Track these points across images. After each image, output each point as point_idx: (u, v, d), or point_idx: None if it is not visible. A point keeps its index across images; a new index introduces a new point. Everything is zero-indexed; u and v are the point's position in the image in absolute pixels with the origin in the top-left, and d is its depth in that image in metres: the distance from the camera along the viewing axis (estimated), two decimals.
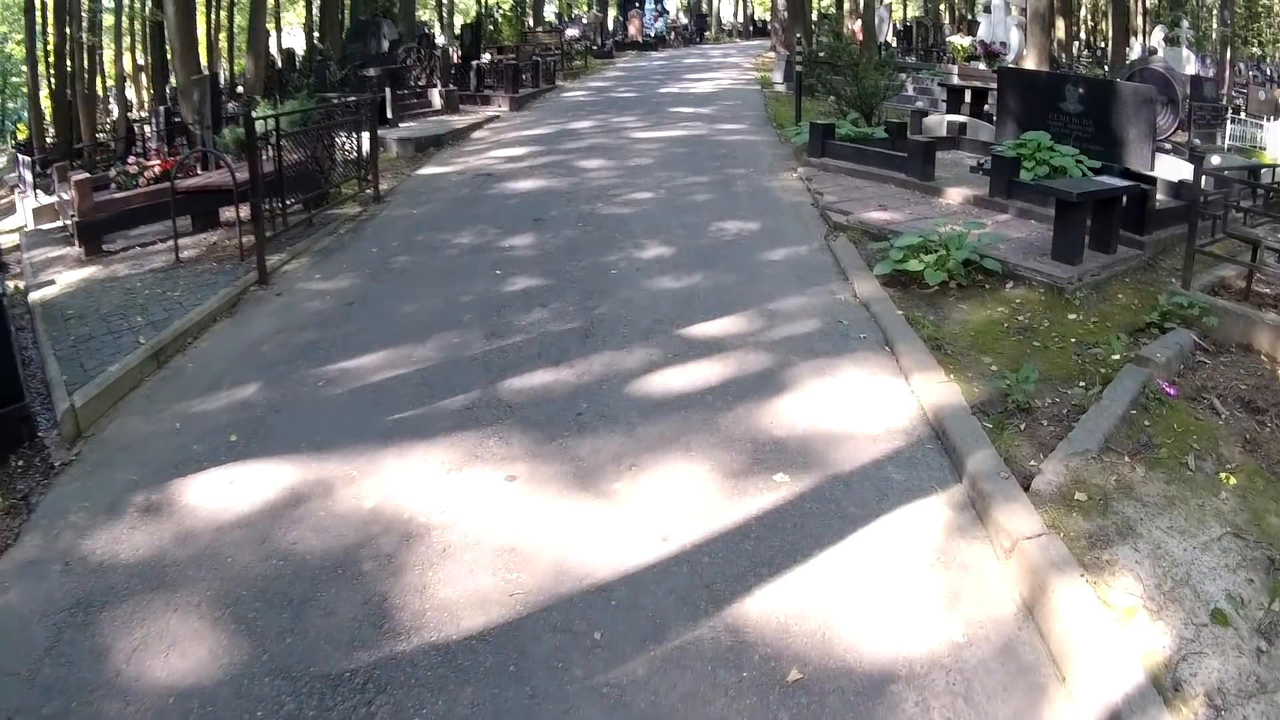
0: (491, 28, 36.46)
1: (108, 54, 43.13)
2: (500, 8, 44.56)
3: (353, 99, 12.33)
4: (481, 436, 5.57)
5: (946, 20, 47.98)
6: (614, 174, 12.64)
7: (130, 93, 37.23)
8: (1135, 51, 27.71)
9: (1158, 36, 28.92)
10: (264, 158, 9.54)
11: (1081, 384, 6.03)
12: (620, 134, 16.28)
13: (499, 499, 4.93)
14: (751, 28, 56.68)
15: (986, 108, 18.00)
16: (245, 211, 9.11)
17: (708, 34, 50.90)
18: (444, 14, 51.86)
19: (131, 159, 12.97)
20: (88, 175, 11.89)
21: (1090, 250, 8.41)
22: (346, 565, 4.45)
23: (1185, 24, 34.68)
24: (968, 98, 17.54)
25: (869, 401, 5.92)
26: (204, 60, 38.93)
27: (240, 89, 22.23)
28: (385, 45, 22.30)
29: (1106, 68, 31.29)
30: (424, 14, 57.20)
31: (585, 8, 53.22)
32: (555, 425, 5.66)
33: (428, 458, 5.36)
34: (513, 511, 4.81)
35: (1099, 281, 8.04)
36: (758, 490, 4.94)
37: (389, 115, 17.79)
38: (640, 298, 7.74)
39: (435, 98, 20.67)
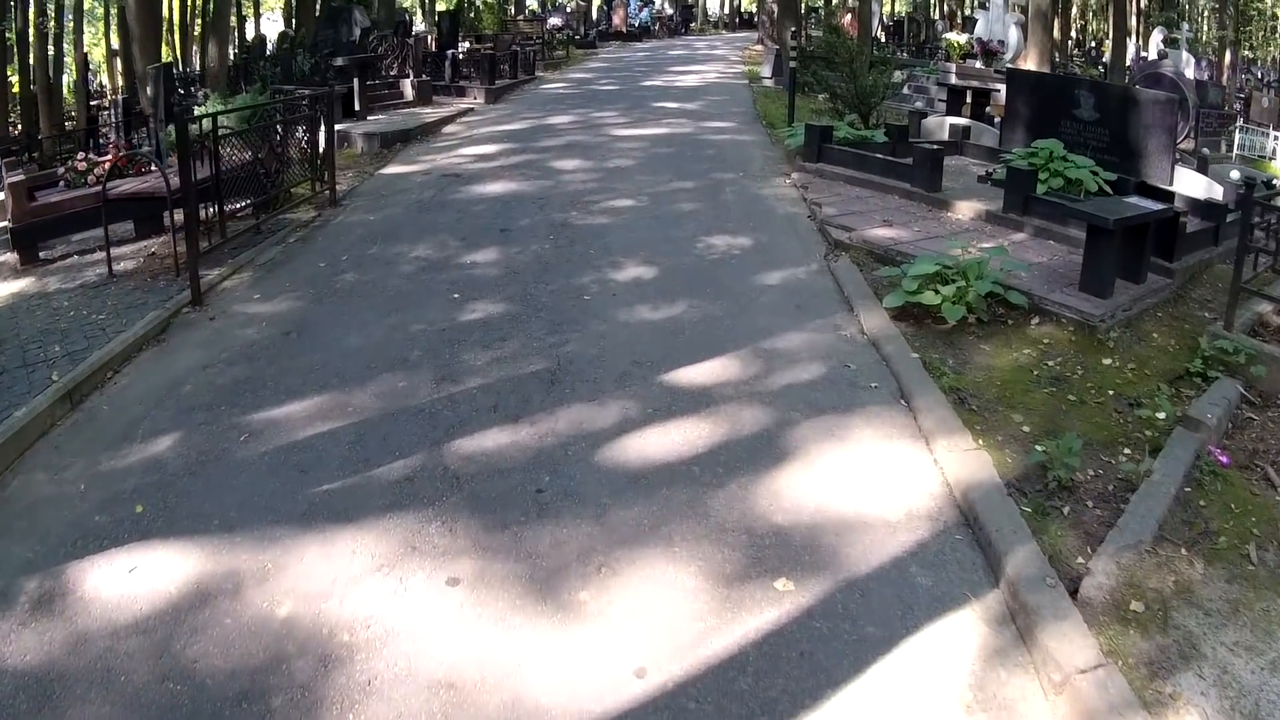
0: (472, 16, 35.35)
1: (89, 39, 41.99)
2: None
3: (306, 93, 11.24)
4: (421, 520, 4.61)
5: (936, 16, 47.11)
6: (592, 177, 11.67)
7: (106, 79, 36.03)
8: (1139, 53, 26.79)
9: (1157, 38, 28.09)
10: (205, 159, 8.53)
11: (1126, 451, 5.19)
12: (600, 131, 15.29)
13: (439, 610, 3.97)
14: (738, 19, 55.69)
15: (988, 110, 17.14)
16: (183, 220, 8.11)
17: (693, 25, 49.89)
18: (425, 1, 50.61)
19: (80, 156, 11.90)
20: (23, 177, 10.90)
21: (1119, 279, 7.50)
22: (253, 697, 3.54)
23: (1185, 26, 33.93)
24: (968, 99, 16.65)
25: (886, 475, 4.98)
26: (177, 47, 37.80)
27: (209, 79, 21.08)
28: (356, 33, 21.17)
29: (1103, 68, 30.49)
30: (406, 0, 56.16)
31: None
32: (510, 506, 4.70)
33: (356, 548, 4.40)
34: (455, 629, 3.86)
35: (1131, 318, 7.16)
36: (756, 603, 4.00)
37: (357, 108, 16.78)
38: (616, 332, 6.78)
39: (407, 89, 19.64)
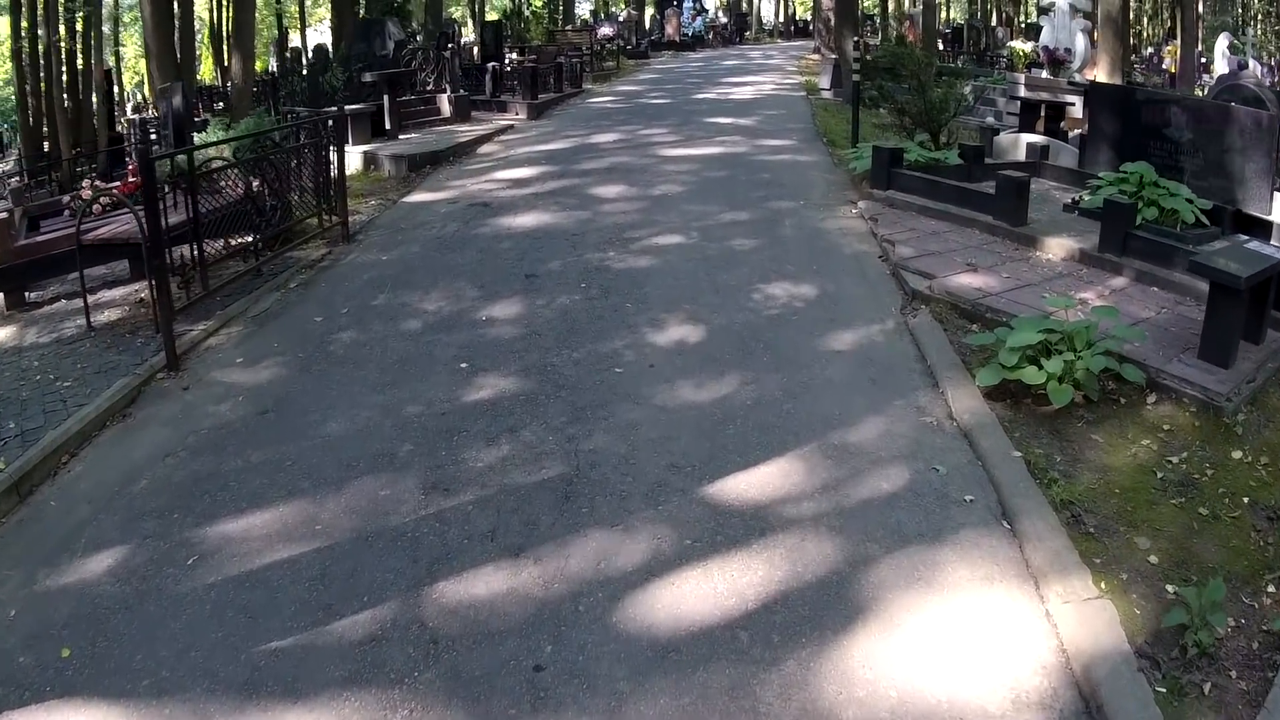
0: (521, 25, 34.40)
1: (133, 51, 41.61)
2: (531, 4, 42.59)
3: (310, 116, 10.23)
4: (384, 708, 3.46)
5: (994, 21, 45.43)
6: (634, 207, 10.53)
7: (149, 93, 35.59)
8: (1220, 64, 25.14)
9: (1222, 44, 26.44)
10: (195, 196, 7.51)
11: (1271, 589, 4.06)
12: (647, 151, 14.13)
13: None
14: (793, 28, 54.35)
15: (1062, 125, 15.77)
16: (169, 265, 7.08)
17: (748, 34, 48.65)
18: (476, 9, 49.83)
19: (86, 183, 10.95)
20: (10, 208, 10.00)
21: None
22: None
23: (1250, 32, 32.18)
24: (1041, 113, 15.28)
25: (986, 639, 3.79)
26: (208, 62, 37.20)
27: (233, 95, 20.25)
28: (390, 46, 20.28)
29: (1168, 77, 28.78)
30: (457, 10, 55.37)
31: (622, 5, 51.00)
32: (498, 691, 3.57)
33: None
34: None
35: (1257, 390, 5.91)
36: None
37: (387, 126, 15.78)
38: (651, 420, 5.60)
39: (444, 105, 18.64)
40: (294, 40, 46.19)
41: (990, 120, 16.56)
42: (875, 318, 7.21)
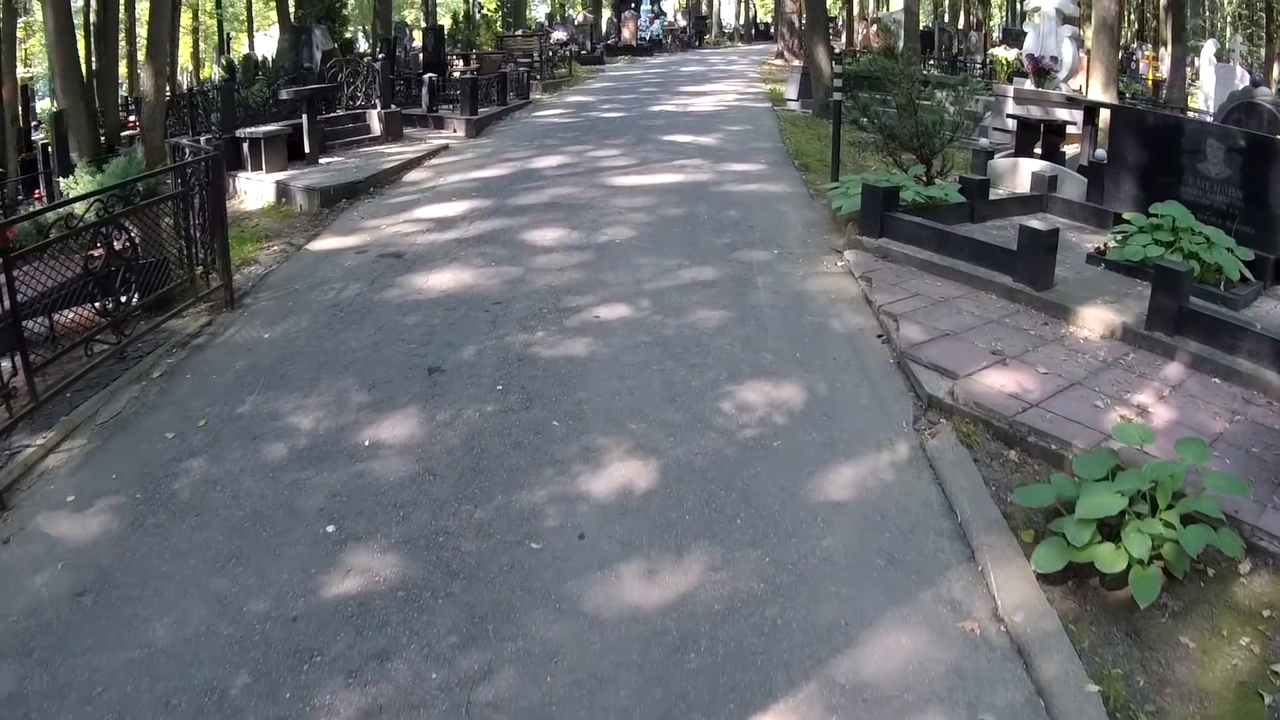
0: (470, 30, 32.45)
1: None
2: (483, 8, 40.60)
3: (197, 156, 8.38)
4: None
5: (960, 25, 44.01)
6: (575, 260, 8.79)
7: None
8: (1206, 72, 23.66)
9: (1209, 52, 25.02)
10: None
11: None
12: (595, 179, 12.34)
13: None
14: (753, 30, 52.80)
15: (1064, 147, 14.13)
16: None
17: (707, 37, 46.98)
18: (428, 11, 47.79)
19: None
20: None
21: None
22: None
23: (1239, 39, 30.86)
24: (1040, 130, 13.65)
25: None
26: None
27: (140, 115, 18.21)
28: (317, 57, 18.36)
29: (1150, 86, 27.30)
30: (410, 13, 53.19)
31: (579, 7, 49.11)
32: None
33: None
34: None
35: None
36: None
37: (306, 150, 13.86)
38: (575, 647, 3.83)
39: (374, 122, 16.70)
40: (248, 47, 44.06)
41: (984, 141, 14.88)
42: (883, 438, 5.46)
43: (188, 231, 7.76)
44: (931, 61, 30.90)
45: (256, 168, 13.12)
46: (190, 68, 43.50)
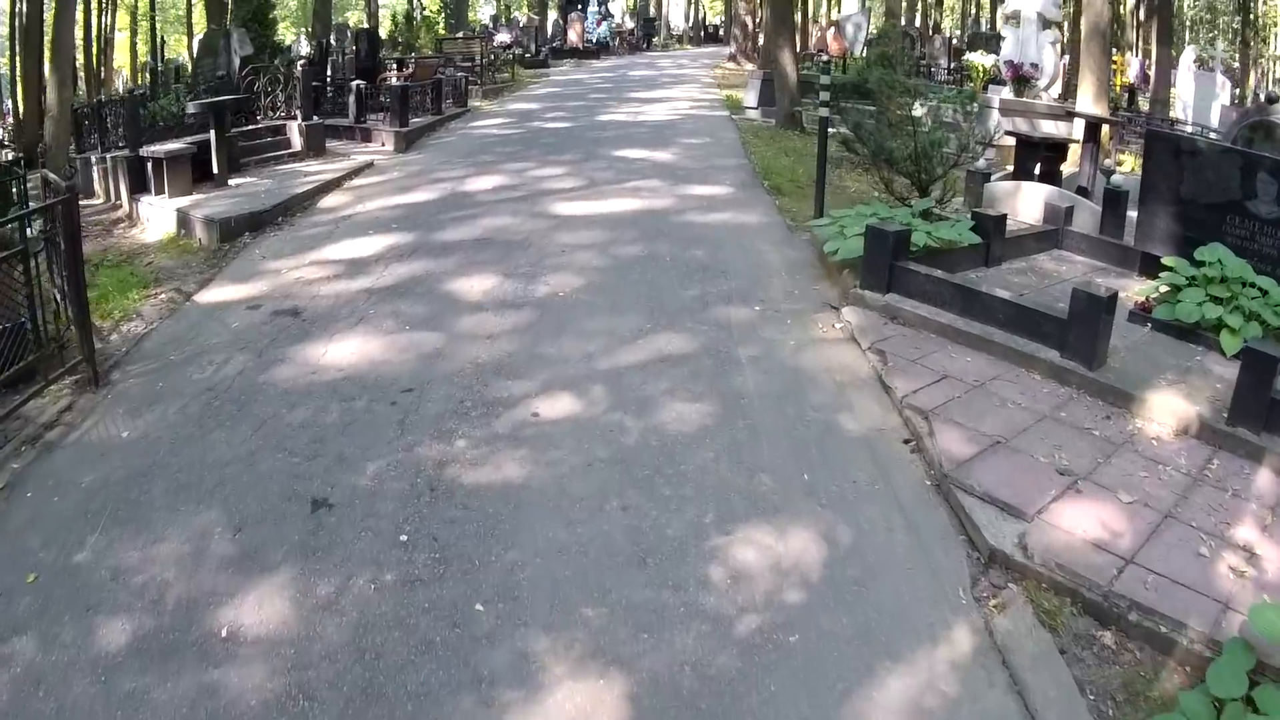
0: (411, 33, 30.47)
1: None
2: (424, 8, 38.57)
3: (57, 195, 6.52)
4: None
5: (920, 28, 42.68)
6: (509, 322, 7.07)
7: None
8: (1185, 78, 22.30)
9: (1188, 58, 23.76)
10: None
11: None
12: (537, 206, 10.57)
13: None
14: (703, 33, 51.13)
15: (1063, 167, 12.58)
16: None
17: (656, 40, 45.23)
18: (371, 12, 45.62)
19: None
20: None
21: None
22: None
23: (1220, 44, 29.71)
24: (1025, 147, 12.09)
25: None
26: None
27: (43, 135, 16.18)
28: (235, 63, 16.38)
29: (1136, 99, 25.95)
30: (353, 15, 50.89)
31: (524, 9, 47.15)
32: None
33: None
34: None
35: None
36: None
37: (215, 170, 11.97)
38: None
39: (295, 135, 14.76)
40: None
41: (980, 162, 13.25)
42: (935, 619, 3.87)
43: (37, 293, 5.92)
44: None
45: (160, 191, 11.26)
46: (128, 73, 40.97)
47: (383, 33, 33.58)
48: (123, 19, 41.01)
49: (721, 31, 51.25)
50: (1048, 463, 5.01)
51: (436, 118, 17.77)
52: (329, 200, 11.50)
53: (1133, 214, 9.55)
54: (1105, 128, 13.11)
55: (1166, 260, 7.62)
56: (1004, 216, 8.67)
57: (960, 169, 9.98)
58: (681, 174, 12.55)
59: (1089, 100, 17.23)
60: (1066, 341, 6.14)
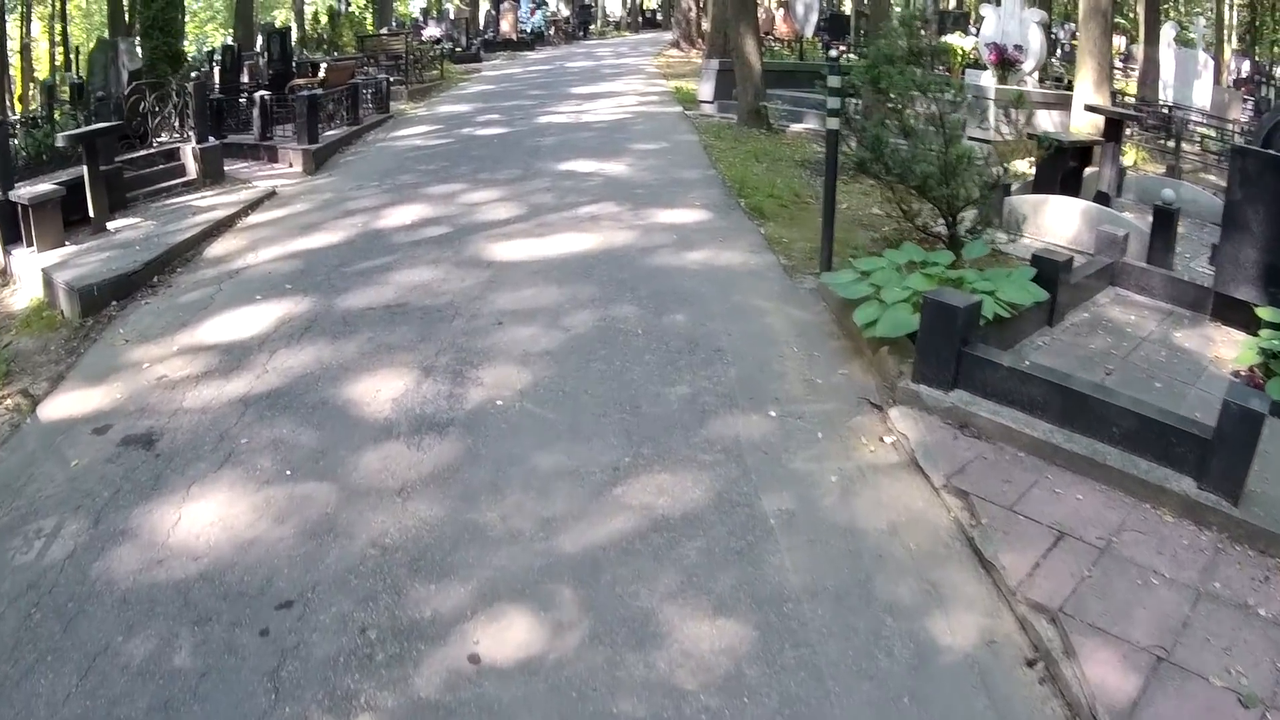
0: (334, 31, 28.01)
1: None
2: (350, 4, 36.10)
3: None
4: None
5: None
6: (428, 464, 5.09)
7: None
8: (1165, 58, 20.58)
9: (1168, 35, 22.12)
10: None
11: None
12: (467, 249, 8.55)
13: None
14: (640, 18, 48.88)
15: (1088, 173, 10.74)
16: None
17: (593, 28, 42.95)
18: (299, 11, 42.83)
19: None
20: None
21: None
22: None
23: (1201, 21, 28.04)
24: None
25: None
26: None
27: None
28: (123, 79, 14.05)
29: (1128, 83, 24.17)
30: (281, 13, 47.92)
31: (455, 1, 44.61)
32: None
33: None
34: None
35: None
36: None
37: (92, 213, 9.84)
38: None
39: (189, 160, 12.48)
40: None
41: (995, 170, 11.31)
42: None
43: None
44: (844, 49, 27.43)
45: (30, 242, 9.15)
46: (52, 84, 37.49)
47: (299, 33, 31.19)
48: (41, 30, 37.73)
49: (660, 17, 49.08)
50: (1224, 688, 3.21)
51: (353, 128, 15.54)
52: (217, 248, 9.32)
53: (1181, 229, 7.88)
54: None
55: (1265, 313, 5.76)
56: (1070, 261, 6.72)
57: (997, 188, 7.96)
58: (641, 193, 10.47)
59: (1089, 87, 15.41)
60: (1206, 467, 4.27)
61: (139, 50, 14.51)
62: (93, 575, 4.23)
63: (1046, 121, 14.94)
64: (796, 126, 15.75)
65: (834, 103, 7.02)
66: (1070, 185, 10.40)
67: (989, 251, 6.98)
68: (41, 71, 34.53)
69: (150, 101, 12.75)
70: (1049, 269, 6.40)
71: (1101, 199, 10.10)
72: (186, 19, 37.96)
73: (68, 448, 5.45)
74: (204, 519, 4.59)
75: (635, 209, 9.77)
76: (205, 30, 47.79)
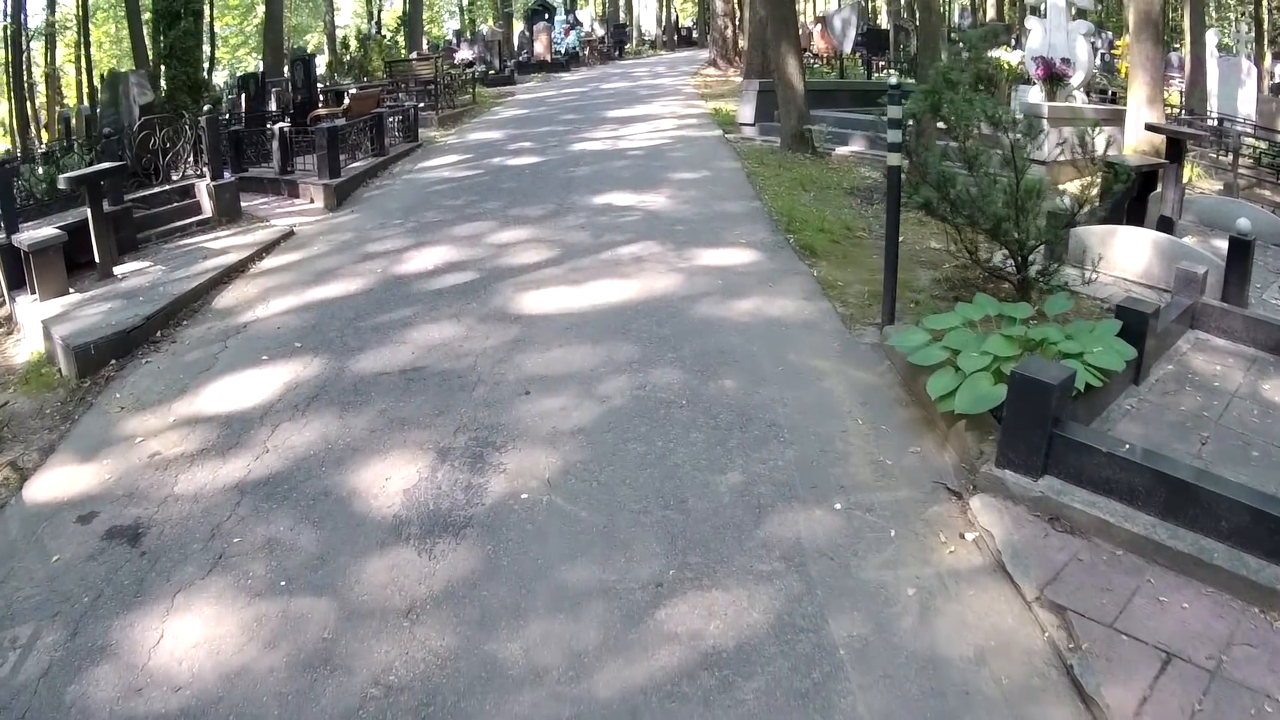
0: (363, 57, 27.55)
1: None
2: (382, 26, 35.73)
3: None
4: None
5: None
6: (439, 579, 4.48)
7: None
8: (1210, 65, 19.72)
9: (1210, 42, 21.17)
10: None
11: None
12: (491, 301, 7.96)
13: None
14: (676, 36, 48.28)
15: (1155, 193, 9.97)
16: None
17: (628, 47, 42.39)
18: (330, 35, 42.53)
19: None
20: None
21: None
22: None
23: (1243, 28, 27.10)
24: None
25: None
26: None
27: None
28: (135, 113, 13.59)
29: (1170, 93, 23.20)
30: (312, 37, 47.67)
31: (491, 21, 44.15)
32: None
33: None
34: None
35: None
36: None
37: (97, 258, 9.45)
38: None
39: (204, 197, 11.95)
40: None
41: (1060, 200, 10.51)
42: None
43: None
44: (884, 65, 26.69)
45: (34, 290, 8.71)
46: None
47: (330, 58, 30.81)
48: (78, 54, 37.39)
49: (696, 35, 48.50)
50: None
51: (379, 159, 14.98)
52: (227, 296, 8.75)
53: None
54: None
55: None
56: (1157, 310, 5.92)
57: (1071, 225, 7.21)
58: (681, 230, 9.78)
59: (1141, 103, 14.54)
60: None
61: (148, 83, 13.97)
62: (68, 701, 3.71)
63: (1098, 140, 14.15)
64: (842, 150, 15.02)
65: (895, 135, 6.27)
66: (1135, 211, 9.64)
67: (1071, 304, 6.17)
68: (71, 99, 34.26)
69: (160, 137, 12.20)
70: (1135, 320, 5.65)
71: (1165, 224, 9.38)
72: (218, 45, 37.67)
73: (50, 538, 4.89)
74: (189, 638, 3.97)
75: (676, 249, 9.08)
76: (237, 55, 47.50)
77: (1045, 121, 13.37)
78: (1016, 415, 4.54)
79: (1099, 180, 7.97)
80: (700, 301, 7.57)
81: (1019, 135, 6.95)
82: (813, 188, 11.95)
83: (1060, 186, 10.48)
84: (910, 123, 8.50)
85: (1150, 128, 11.91)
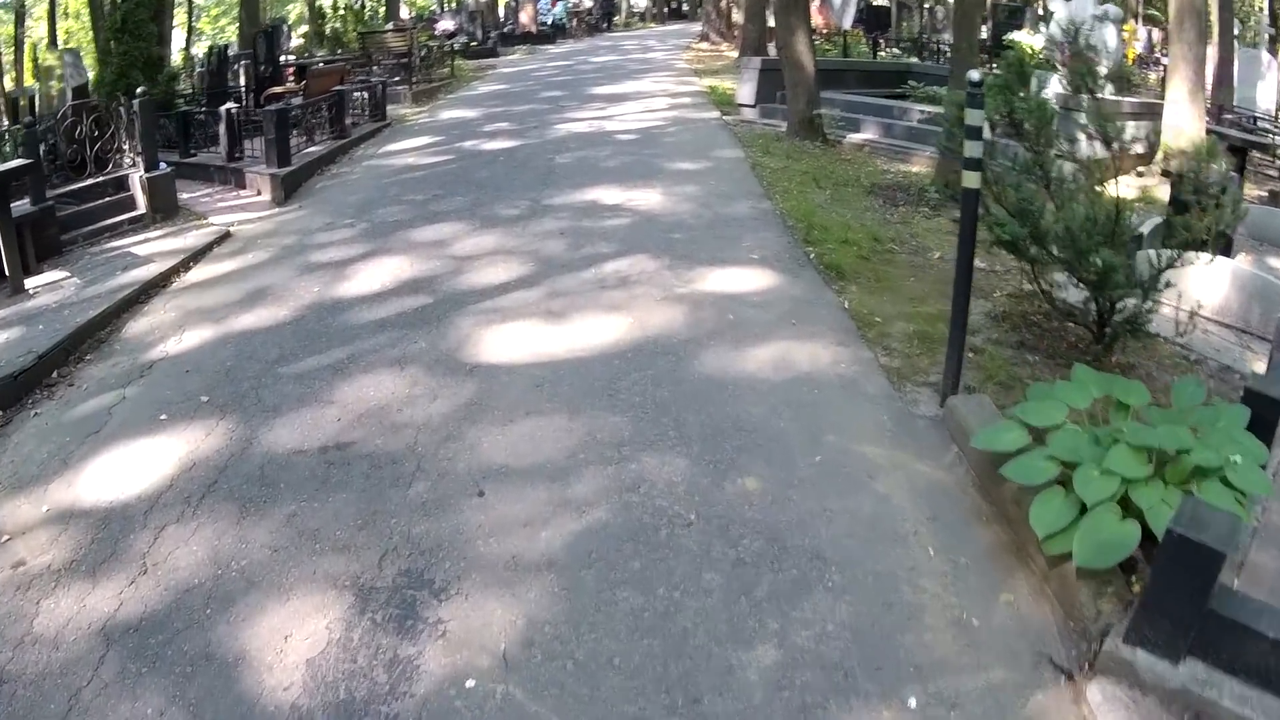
0: (336, 26, 25.88)
1: None
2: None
3: None
4: None
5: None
6: None
7: None
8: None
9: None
10: None
11: None
12: (444, 340, 6.55)
13: None
14: (666, 9, 46.59)
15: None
16: None
17: (616, 19, 40.66)
18: (312, 4, 40.49)
19: None
20: None
21: None
22: None
23: (1266, 18, 25.78)
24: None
25: None
26: None
27: None
28: (68, 97, 12.07)
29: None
30: (295, 8, 45.64)
31: None
32: None
33: None
34: None
35: None
36: None
37: (7, 271, 8.12)
38: None
39: (138, 191, 10.40)
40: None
41: (1139, 220, 9.08)
42: None
43: None
44: (890, 46, 25.13)
45: None
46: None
47: (308, 28, 29.07)
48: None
49: (686, 7, 46.81)
50: None
51: (339, 142, 13.43)
52: (141, 323, 7.29)
53: None
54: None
55: None
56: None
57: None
58: (680, 239, 8.31)
59: (1183, 98, 13.16)
60: None
61: (81, 62, 12.38)
62: None
63: (1133, 131, 12.84)
64: (854, 137, 13.57)
65: (973, 149, 4.76)
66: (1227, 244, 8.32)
67: (1202, 394, 4.67)
68: (29, 79, 32.43)
69: (88, 124, 10.61)
70: (1268, 409, 4.16)
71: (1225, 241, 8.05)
72: (200, 16, 35.61)
73: None
74: None
75: (674, 267, 7.60)
76: (219, 25, 45.78)
77: (1084, 118, 11.92)
78: (1165, 583, 3.10)
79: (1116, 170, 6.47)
80: (707, 347, 6.09)
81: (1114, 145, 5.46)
82: (828, 184, 10.50)
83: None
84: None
85: (1211, 133, 10.54)
